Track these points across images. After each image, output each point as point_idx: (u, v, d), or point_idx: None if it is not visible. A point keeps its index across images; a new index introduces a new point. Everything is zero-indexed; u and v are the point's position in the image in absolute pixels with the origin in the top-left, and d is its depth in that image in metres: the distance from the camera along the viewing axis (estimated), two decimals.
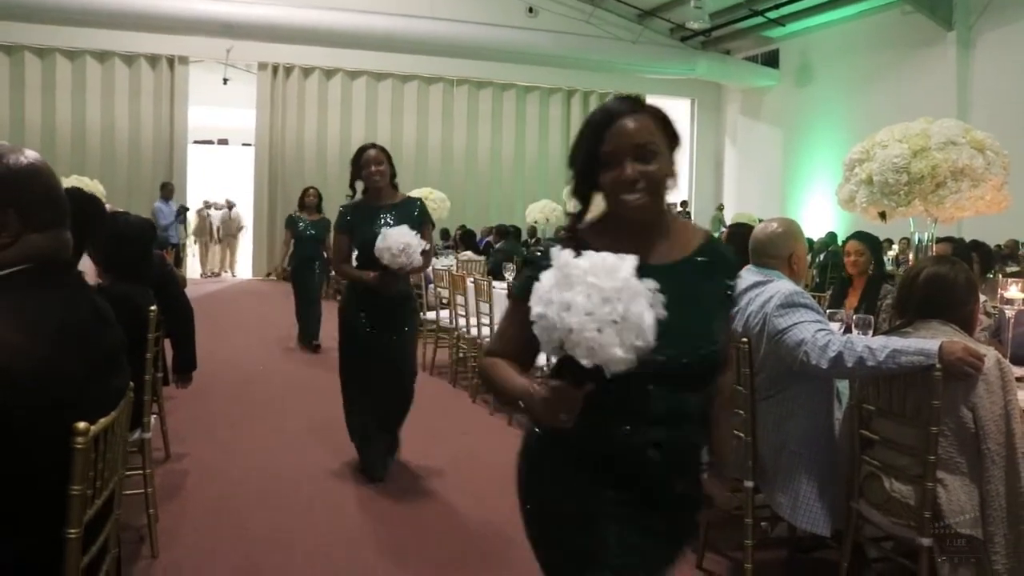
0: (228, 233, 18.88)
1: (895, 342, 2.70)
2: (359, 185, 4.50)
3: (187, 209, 15.79)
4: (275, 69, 17.62)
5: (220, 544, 3.67)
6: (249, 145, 18.33)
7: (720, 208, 19.95)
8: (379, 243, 4.13)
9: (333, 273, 9.55)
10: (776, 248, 3.25)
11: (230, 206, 19.04)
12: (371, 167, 4.34)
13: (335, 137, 18.06)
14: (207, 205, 18.74)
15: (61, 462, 1.49)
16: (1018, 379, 2.70)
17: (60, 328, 1.52)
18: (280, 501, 4.24)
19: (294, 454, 5.06)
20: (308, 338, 8.93)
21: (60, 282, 1.61)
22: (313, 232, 8.76)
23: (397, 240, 4.09)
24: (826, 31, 17.78)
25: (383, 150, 4.42)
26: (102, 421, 1.58)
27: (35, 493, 1.49)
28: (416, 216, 4.40)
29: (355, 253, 4.55)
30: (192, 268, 17.70)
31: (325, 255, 8.79)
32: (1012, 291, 3.53)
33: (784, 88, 19.32)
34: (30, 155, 1.65)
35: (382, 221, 4.31)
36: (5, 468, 1.44)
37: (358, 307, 4.45)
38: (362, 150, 4.41)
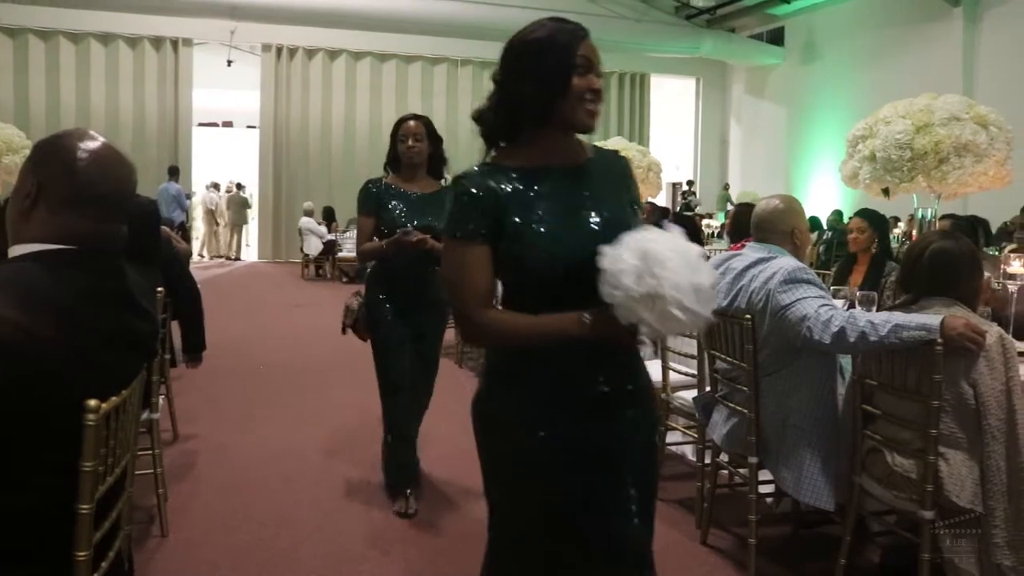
0: (214, 216, 18.52)
1: (897, 317, 2.71)
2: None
3: (193, 194, 15.79)
4: (279, 50, 17.56)
5: (229, 523, 3.71)
6: (254, 127, 18.31)
7: (726, 187, 19.90)
8: (617, 276, 1.58)
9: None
10: (779, 224, 3.28)
11: (215, 187, 18.69)
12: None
13: (339, 119, 18.04)
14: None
15: (64, 439, 1.51)
16: (1020, 353, 2.71)
17: (57, 310, 1.54)
18: (288, 481, 4.28)
19: (302, 435, 5.10)
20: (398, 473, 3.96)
21: (64, 264, 1.62)
22: (429, 219, 3.67)
23: (682, 269, 1.57)
24: (831, 8, 17.65)
25: None
26: (113, 399, 1.61)
27: (41, 466, 1.52)
28: (628, 185, 1.94)
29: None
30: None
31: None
32: (1015, 266, 3.53)
33: (789, 66, 19.21)
34: (87, 143, 1.67)
35: (587, 202, 1.80)
36: (8, 439, 1.47)
37: (554, 429, 1.77)
38: None
